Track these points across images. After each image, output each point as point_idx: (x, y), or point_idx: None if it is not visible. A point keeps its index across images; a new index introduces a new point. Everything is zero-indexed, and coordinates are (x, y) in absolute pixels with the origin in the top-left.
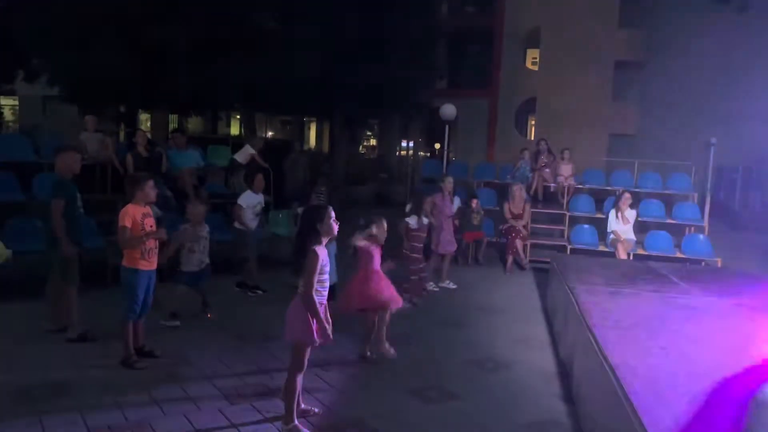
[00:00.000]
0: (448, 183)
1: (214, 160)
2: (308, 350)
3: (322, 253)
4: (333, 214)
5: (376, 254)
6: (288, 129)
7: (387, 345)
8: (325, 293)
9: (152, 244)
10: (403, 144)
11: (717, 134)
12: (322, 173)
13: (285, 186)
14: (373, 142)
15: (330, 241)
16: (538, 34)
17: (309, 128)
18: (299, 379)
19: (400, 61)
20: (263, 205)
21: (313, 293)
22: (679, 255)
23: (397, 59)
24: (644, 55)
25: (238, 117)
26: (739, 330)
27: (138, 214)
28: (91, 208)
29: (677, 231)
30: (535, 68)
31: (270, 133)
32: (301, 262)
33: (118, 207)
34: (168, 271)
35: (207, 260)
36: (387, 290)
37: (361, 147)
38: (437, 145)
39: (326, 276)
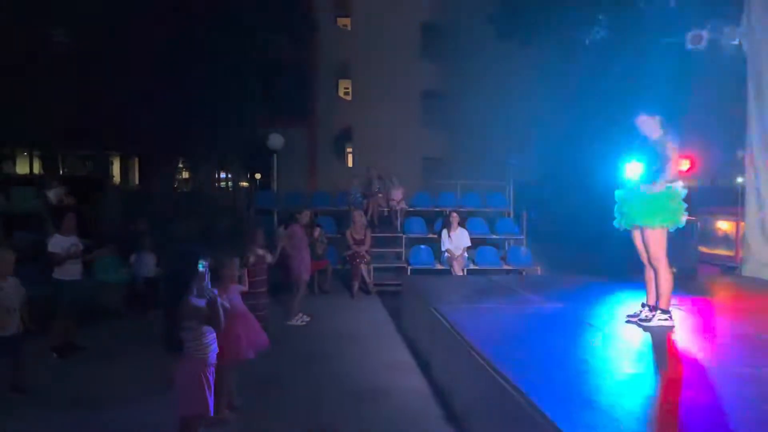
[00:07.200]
0: (305, 216)
1: (20, 204)
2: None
3: (200, 303)
4: (207, 262)
5: (236, 296)
6: (88, 164)
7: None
8: (214, 352)
9: None
10: (222, 175)
11: (513, 156)
12: (139, 211)
13: (100, 227)
14: (185, 174)
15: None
16: (348, 65)
17: (113, 163)
18: None
19: (212, 93)
20: (80, 249)
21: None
22: (505, 267)
23: (207, 91)
24: (446, 84)
25: (26, 153)
26: (598, 331)
27: None
28: None
29: (499, 244)
30: (348, 98)
31: (62, 170)
32: (180, 312)
33: None
34: None
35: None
36: (258, 334)
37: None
38: (258, 176)
39: (213, 333)
